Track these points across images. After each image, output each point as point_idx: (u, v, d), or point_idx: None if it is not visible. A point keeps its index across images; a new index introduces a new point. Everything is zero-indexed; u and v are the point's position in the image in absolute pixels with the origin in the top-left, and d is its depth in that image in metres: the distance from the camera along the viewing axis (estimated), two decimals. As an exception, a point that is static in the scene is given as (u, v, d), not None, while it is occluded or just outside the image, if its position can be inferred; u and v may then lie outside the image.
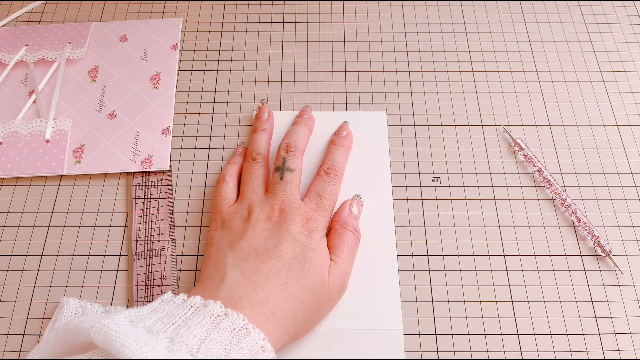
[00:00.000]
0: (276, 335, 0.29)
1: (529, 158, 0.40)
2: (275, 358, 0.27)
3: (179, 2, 0.50)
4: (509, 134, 0.42)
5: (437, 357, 0.34)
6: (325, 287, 0.32)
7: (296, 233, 0.33)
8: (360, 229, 0.37)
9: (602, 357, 0.34)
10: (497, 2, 0.50)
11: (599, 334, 0.34)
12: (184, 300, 0.28)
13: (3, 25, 0.48)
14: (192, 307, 0.28)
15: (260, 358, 0.26)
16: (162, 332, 0.26)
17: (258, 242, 0.33)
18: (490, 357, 0.34)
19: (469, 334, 0.34)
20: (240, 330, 0.27)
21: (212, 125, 0.43)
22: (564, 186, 0.40)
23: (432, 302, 0.35)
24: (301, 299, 0.31)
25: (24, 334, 0.34)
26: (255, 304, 0.29)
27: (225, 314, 0.27)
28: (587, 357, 0.34)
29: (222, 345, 0.26)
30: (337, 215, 0.36)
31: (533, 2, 0.50)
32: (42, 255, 0.37)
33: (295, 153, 0.38)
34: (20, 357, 0.33)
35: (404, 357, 0.33)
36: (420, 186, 0.40)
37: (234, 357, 0.26)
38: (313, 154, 0.41)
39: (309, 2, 0.50)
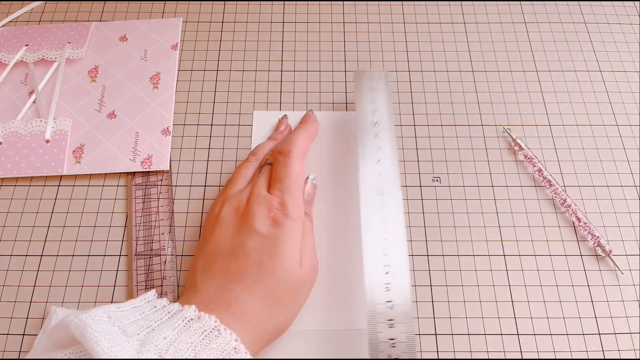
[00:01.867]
0: (250, 334, 0.29)
1: (529, 158, 0.40)
2: (249, 359, 0.27)
3: (179, 2, 0.50)
4: (509, 134, 0.42)
5: (437, 357, 0.34)
6: (298, 276, 0.32)
7: (261, 226, 0.32)
8: (310, 210, 0.36)
9: (602, 357, 0.34)
10: (497, 2, 0.50)
11: (599, 334, 0.34)
12: (164, 306, 0.29)
13: (3, 25, 0.48)
14: (169, 312, 0.28)
15: (232, 359, 0.26)
16: (135, 334, 0.26)
17: (225, 241, 0.32)
18: (490, 357, 0.34)
19: (469, 334, 0.34)
20: (211, 331, 0.27)
21: (212, 125, 0.43)
22: (564, 186, 0.40)
23: (432, 302, 0.35)
24: (274, 295, 0.30)
25: (23, 334, 0.34)
26: (223, 306, 0.29)
27: (198, 317, 0.28)
28: (587, 357, 0.34)
29: (191, 346, 0.26)
30: None
31: (533, 2, 0.50)
32: (42, 255, 0.37)
33: (280, 154, 0.37)
34: (20, 357, 0.33)
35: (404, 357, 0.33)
36: (420, 186, 0.40)
37: (204, 357, 0.26)
38: (312, 155, 0.41)
39: (309, 2, 0.50)
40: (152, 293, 0.30)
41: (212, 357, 0.26)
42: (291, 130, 0.42)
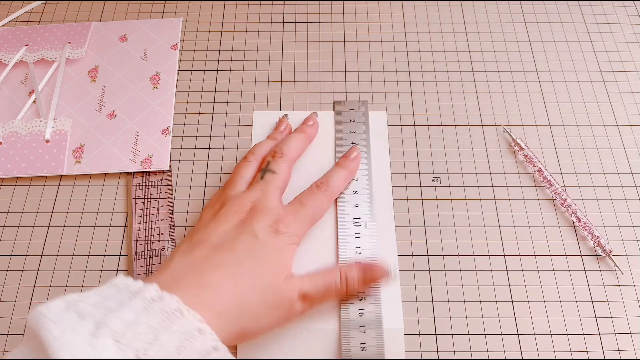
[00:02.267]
0: (214, 325, 0.27)
1: (529, 158, 0.40)
2: (217, 344, 0.26)
3: (179, 2, 0.50)
4: (509, 134, 0.42)
5: (437, 357, 0.34)
6: (277, 293, 0.30)
7: (259, 230, 0.32)
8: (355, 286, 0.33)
9: (602, 357, 0.34)
10: (497, 2, 0.50)
11: (599, 334, 0.34)
12: (126, 285, 0.27)
13: (3, 25, 0.48)
14: (130, 292, 0.27)
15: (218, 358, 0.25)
16: (91, 316, 0.25)
17: (217, 234, 0.32)
18: (490, 357, 0.34)
19: (469, 334, 0.34)
20: (173, 313, 0.26)
21: (212, 125, 0.43)
22: (564, 186, 0.40)
23: (432, 302, 0.35)
24: (246, 297, 0.29)
25: (23, 334, 0.34)
26: (192, 289, 0.28)
27: (159, 298, 0.26)
28: (587, 357, 0.34)
29: (150, 328, 0.25)
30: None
31: (533, 2, 0.50)
32: (42, 255, 0.37)
33: (280, 158, 0.37)
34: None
35: (404, 357, 0.33)
36: (420, 186, 0.40)
37: (164, 341, 0.25)
38: (309, 155, 0.41)
39: (309, 2, 0.50)
40: (120, 277, 0.28)
41: (176, 339, 0.25)
42: (291, 131, 0.42)
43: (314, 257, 0.36)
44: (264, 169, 0.36)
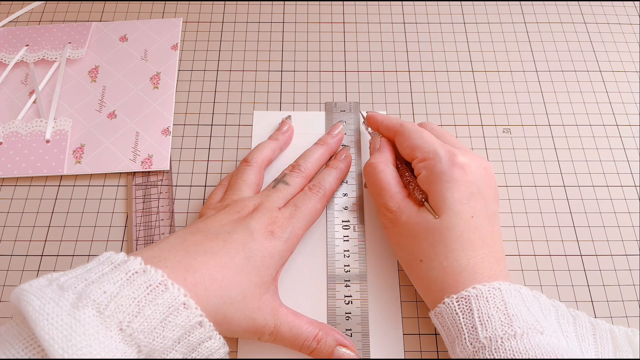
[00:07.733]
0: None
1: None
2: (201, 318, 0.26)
3: (179, 2, 0.50)
4: (363, 117, 0.41)
5: (437, 357, 0.34)
6: (255, 308, 0.30)
7: (255, 230, 0.32)
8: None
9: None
10: (497, 2, 0.50)
11: (599, 333, 0.34)
12: (109, 257, 0.27)
13: (3, 25, 0.48)
14: (112, 263, 0.26)
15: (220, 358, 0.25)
16: (72, 288, 0.24)
17: (215, 225, 0.32)
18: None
19: (469, 334, 0.34)
20: (157, 286, 0.25)
21: (212, 125, 0.43)
22: (564, 186, 0.40)
23: (432, 302, 0.35)
24: (230, 293, 0.29)
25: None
26: (179, 269, 0.27)
27: (143, 271, 0.26)
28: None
29: (134, 301, 0.25)
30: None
31: (533, 2, 0.50)
32: (42, 255, 0.37)
33: (297, 172, 0.37)
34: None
35: (404, 357, 0.33)
36: (420, 186, 0.40)
37: (148, 314, 0.25)
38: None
39: (309, 2, 0.50)
40: (105, 252, 0.28)
41: (160, 313, 0.25)
42: (293, 132, 0.42)
43: (305, 260, 0.37)
44: (278, 180, 0.37)
